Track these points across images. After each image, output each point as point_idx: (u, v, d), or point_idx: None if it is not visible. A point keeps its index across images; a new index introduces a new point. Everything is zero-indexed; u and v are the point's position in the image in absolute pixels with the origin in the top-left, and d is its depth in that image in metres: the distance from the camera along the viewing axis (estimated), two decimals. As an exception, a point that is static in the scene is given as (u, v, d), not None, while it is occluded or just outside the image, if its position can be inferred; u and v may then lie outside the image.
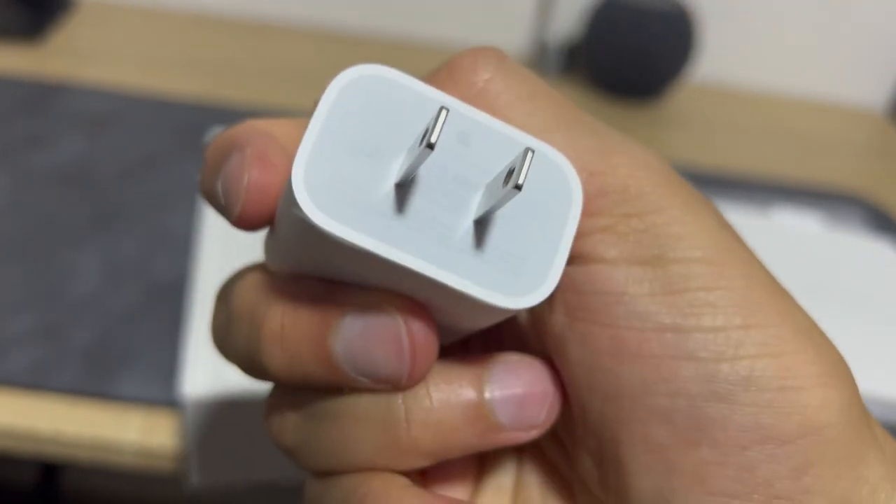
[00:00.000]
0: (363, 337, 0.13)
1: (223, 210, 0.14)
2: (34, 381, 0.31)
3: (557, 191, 0.13)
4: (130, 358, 0.33)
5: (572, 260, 0.14)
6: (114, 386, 0.32)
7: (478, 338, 0.17)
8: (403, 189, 0.13)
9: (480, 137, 0.13)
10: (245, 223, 0.14)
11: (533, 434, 0.14)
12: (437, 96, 0.13)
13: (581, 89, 0.63)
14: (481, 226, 0.13)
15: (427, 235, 0.12)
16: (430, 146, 0.11)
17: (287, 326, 0.14)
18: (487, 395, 0.14)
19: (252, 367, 0.15)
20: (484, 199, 0.13)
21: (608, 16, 0.60)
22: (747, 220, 0.47)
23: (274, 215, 0.14)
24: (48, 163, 0.44)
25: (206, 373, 0.30)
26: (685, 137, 0.60)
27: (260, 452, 0.31)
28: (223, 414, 0.30)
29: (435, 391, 0.14)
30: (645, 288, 0.13)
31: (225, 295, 0.16)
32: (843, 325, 0.41)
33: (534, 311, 0.16)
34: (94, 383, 0.32)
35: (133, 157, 0.46)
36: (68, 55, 0.56)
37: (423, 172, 0.13)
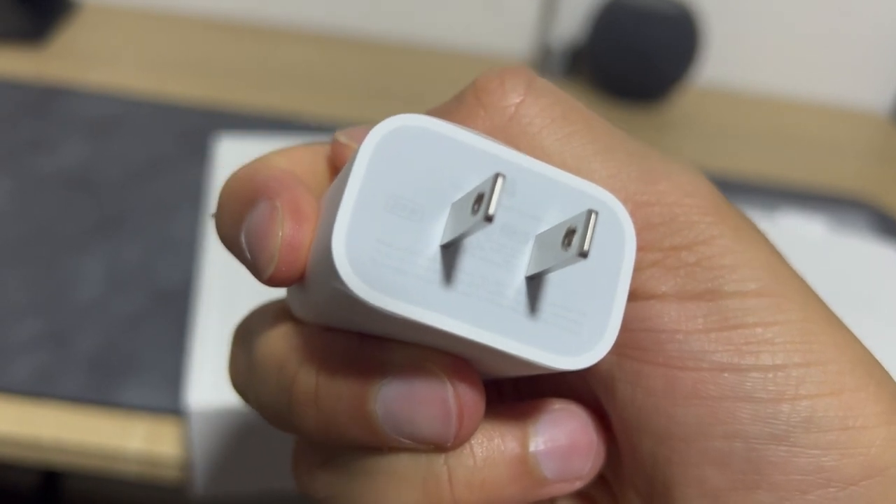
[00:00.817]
0: (407, 400, 0.12)
1: (249, 266, 0.13)
2: (38, 389, 0.31)
3: (610, 236, 0.12)
4: (135, 365, 0.33)
5: None
6: (118, 394, 0.31)
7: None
8: (450, 249, 0.12)
9: (527, 184, 0.12)
10: (277, 283, 0.13)
11: (577, 485, 0.14)
12: (479, 144, 0.12)
13: (585, 92, 0.63)
14: (533, 282, 0.12)
15: (478, 298, 0.12)
16: (489, 219, 0.10)
17: (322, 387, 0.13)
18: (532, 448, 0.13)
19: (279, 421, 0.14)
20: (536, 253, 0.12)
21: (612, 18, 0.60)
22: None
23: (305, 271, 0.13)
24: (51, 167, 0.44)
25: (211, 381, 0.30)
26: (689, 141, 0.59)
27: (265, 462, 0.30)
28: (228, 423, 0.29)
29: (478, 448, 0.13)
30: (699, 324, 0.13)
31: (245, 337, 0.15)
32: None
33: None
34: (98, 391, 0.31)
35: (137, 161, 0.46)
36: (71, 58, 0.56)
37: None
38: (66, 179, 0.43)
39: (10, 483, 0.69)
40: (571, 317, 0.12)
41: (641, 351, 0.13)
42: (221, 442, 0.30)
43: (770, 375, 0.12)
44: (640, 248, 0.13)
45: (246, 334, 0.15)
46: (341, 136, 0.15)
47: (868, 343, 0.41)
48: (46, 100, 0.50)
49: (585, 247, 0.11)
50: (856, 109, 0.68)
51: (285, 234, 0.12)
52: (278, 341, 0.14)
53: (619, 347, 0.13)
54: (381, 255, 0.11)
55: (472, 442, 0.13)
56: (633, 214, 0.13)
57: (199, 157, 0.46)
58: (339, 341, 0.13)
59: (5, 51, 0.55)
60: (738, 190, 0.53)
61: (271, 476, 0.31)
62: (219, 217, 0.14)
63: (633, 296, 0.13)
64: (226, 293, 0.33)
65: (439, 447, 0.13)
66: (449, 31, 0.66)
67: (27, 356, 0.33)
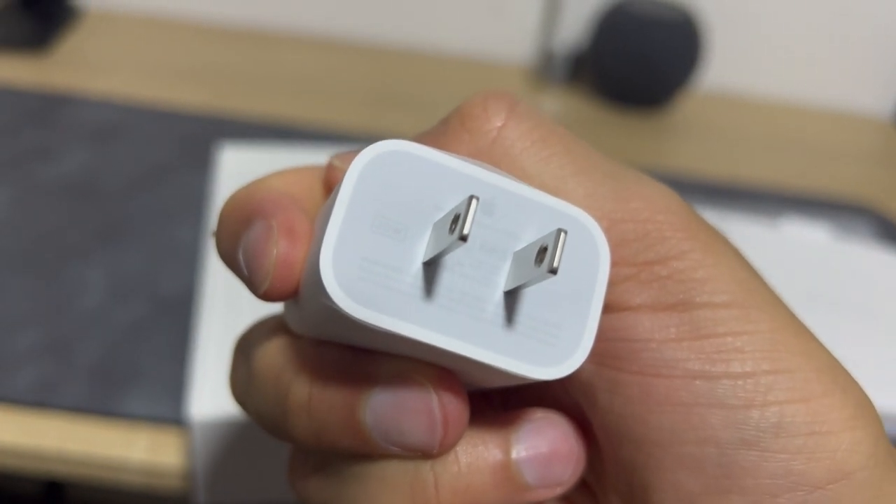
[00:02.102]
0: (394, 409, 0.13)
1: (246, 281, 0.14)
2: (39, 399, 0.31)
3: (584, 252, 0.13)
4: (137, 375, 0.33)
5: None
6: (120, 404, 0.31)
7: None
8: (432, 266, 0.13)
9: (505, 204, 0.13)
10: (271, 298, 0.14)
11: (559, 491, 0.14)
12: (459, 167, 0.13)
13: (587, 98, 0.63)
14: (511, 296, 0.13)
15: (459, 312, 0.12)
16: (464, 238, 0.11)
17: (315, 397, 0.14)
18: (514, 455, 0.14)
19: (276, 430, 0.15)
20: (513, 269, 0.13)
21: (614, 24, 0.60)
22: (755, 231, 0.46)
23: (298, 287, 0.14)
24: (53, 175, 0.44)
25: (213, 391, 0.30)
26: (692, 147, 0.59)
27: (267, 472, 0.30)
28: (230, 433, 0.29)
29: (463, 455, 0.14)
30: (671, 334, 0.13)
31: (245, 350, 0.16)
32: (851, 336, 0.40)
33: None
34: (100, 401, 0.31)
35: (139, 168, 0.46)
36: (74, 66, 0.56)
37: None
38: (69, 187, 0.43)
39: (14, 492, 0.69)
40: (547, 329, 0.13)
41: (618, 360, 0.14)
42: (223, 452, 0.30)
43: (740, 382, 0.13)
44: (615, 263, 0.14)
45: (245, 347, 0.16)
46: (335, 160, 0.16)
47: (870, 349, 0.40)
48: (49, 108, 0.50)
49: (555, 264, 0.12)
50: (859, 114, 0.68)
51: (279, 252, 0.13)
52: (275, 353, 0.15)
53: (597, 357, 0.14)
54: (367, 272, 0.12)
55: (458, 449, 0.14)
56: (608, 231, 0.14)
57: (201, 164, 0.46)
58: (330, 353, 0.14)
59: (8, 59, 0.55)
60: (741, 196, 0.53)
61: (273, 486, 0.31)
62: (218, 235, 0.15)
63: (609, 308, 0.14)
64: (228, 302, 0.33)
65: (426, 454, 0.14)
66: (452, 37, 0.66)
67: (29, 366, 0.32)
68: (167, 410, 0.31)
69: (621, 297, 0.14)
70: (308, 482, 0.15)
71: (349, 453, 0.14)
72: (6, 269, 0.37)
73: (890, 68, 0.67)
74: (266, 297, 0.14)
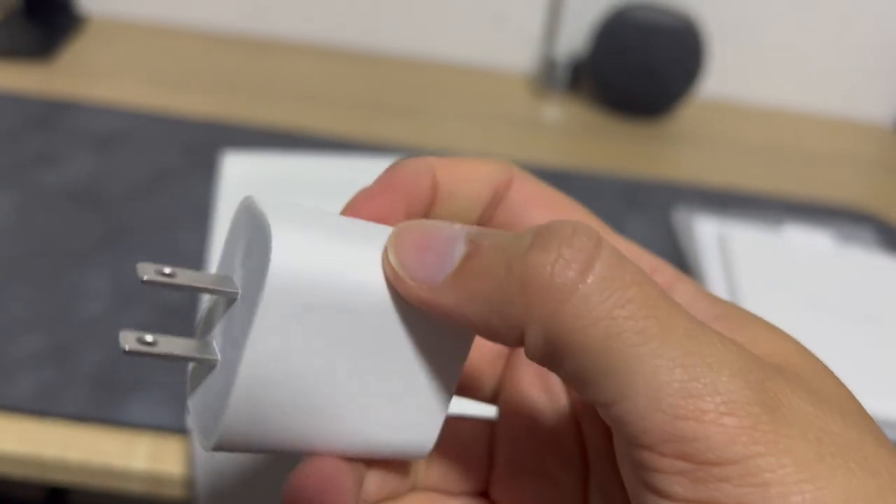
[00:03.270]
0: None
1: None
2: (40, 406, 0.31)
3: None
4: (139, 382, 0.33)
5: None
6: (122, 411, 0.31)
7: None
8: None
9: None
10: None
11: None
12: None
13: (588, 106, 0.63)
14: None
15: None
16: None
17: None
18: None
19: None
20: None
21: (615, 32, 0.60)
22: (758, 238, 0.46)
23: None
24: (57, 181, 0.44)
25: (214, 398, 0.30)
26: (693, 154, 0.59)
27: (269, 481, 0.30)
28: (232, 441, 0.29)
29: None
30: None
31: None
32: (855, 342, 0.40)
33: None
34: (101, 408, 0.31)
35: (143, 175, 0.46)
36: (78, 73, 0.56)
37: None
38: (72, 193, 0.43)
39: (16, 499, 0.69)
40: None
41: None
42: (225, 460, 0.30)
43: None
44: (674, 456, 0.13)
45: None
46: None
47: (874, 355, 0.40)
48: (53, 114, 0.50)
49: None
50: (860, 122, 0.68)
51: None
52: None
53: None
54: None
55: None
56: (668, 426, 0.13)
57: (204, 171, 0.46)
58: None
59: (13, 66, 0.55)
60: (743, 203, 0.53)
61: (274, 495, 0.31)
62: None
63: (659, 493, 0.13)
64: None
65: None
66: (453, 45, 0.66)
67: (30, 372, 0.32)
68: (169, 418, 0.31)
69: (671, 488, 0.13)
70: None
71: None
72: (9, 275, 0.37)
73: (890, 76, 0.67)
74: None
